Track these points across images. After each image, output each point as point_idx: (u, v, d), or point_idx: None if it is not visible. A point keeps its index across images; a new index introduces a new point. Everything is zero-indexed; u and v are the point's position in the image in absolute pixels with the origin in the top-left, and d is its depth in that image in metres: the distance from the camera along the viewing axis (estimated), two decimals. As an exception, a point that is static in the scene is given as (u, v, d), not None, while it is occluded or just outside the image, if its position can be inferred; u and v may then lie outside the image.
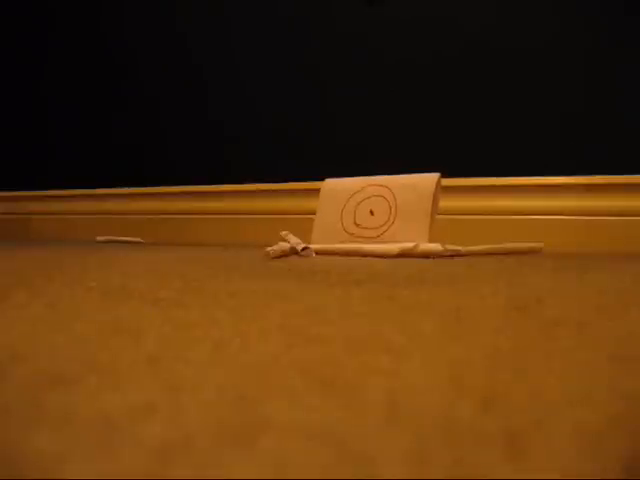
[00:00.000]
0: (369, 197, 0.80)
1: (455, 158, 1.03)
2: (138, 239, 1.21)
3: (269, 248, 0.69)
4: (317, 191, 0.87)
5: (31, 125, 1.55)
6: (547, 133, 0.98)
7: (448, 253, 0.70)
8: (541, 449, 0.11)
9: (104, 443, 0.12)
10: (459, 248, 0.71)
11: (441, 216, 0.79)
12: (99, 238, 1.20)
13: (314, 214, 0.85)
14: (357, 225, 0.79)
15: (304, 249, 0.71)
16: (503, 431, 0.12)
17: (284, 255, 0.70)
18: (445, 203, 0.85)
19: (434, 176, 0.77)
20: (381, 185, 0.80)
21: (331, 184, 0.86)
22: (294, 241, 0.72)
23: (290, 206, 1.16)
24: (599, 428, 0.12)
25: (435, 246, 0.69)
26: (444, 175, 0.79)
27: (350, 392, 0.15)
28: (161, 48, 1.35)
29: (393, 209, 0.77)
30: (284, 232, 0.76)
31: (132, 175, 1.38)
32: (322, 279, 0.44)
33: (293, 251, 0.71)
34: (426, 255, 0.69)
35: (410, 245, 0.69)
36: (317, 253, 0.74)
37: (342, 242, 0.78)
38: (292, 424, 0.13)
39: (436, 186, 0.76)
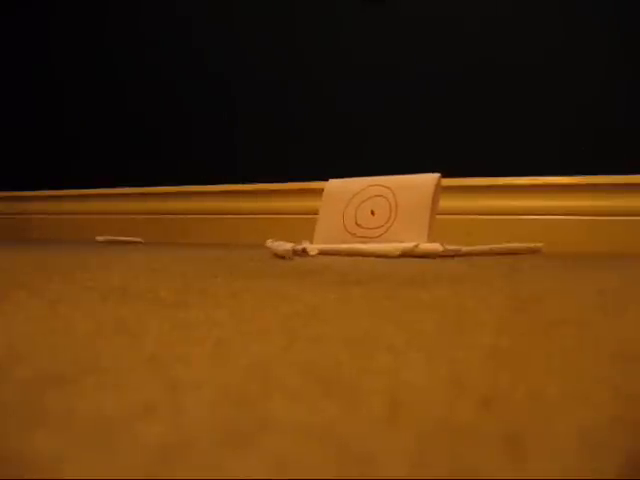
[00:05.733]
0: (370, 197, 0.80)
1: (455, 158, 1.03)
2: (138, 239, 1.21)
3: (270, 240, 0.68)
4: (318, 191, 0.87)
5: (31, 125, 1.55)
6: (547, 133, 0.98)
7: (448, 253, 0.69)
8: (541, 449, 0.11)
9: (104, 443, 0.12)
10: (459, 248, 0.71)
11: (441, 216, 0.79)
12: (99, 238, 1.20)
13: (315, 214, 0.85)
14: (358, 225, 0.79)
15: (304, 249, 0.71)
16: (503, 431, 0.12)
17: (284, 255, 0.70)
18: (445, 203, 0.85)
19: (434, 176, 0.77)
20: (382, 185, 0.80)
21: (334, 185, 0.86)
22: (282, 247, 0.72)
23: (291, 206, 1.16)
24: (599, 428, 0.12)
25: (435, 246, 0.69)
26: (444, 175, 0.79)
27: (350, 392, 0.15)
28: (164, 47, 1.35)
29: (393, 209, 0.77)
30: (270, 240, 0.76)
31: (132, 175, 1.38)
32: (322, 279, 0.44)
33: (296, 252, 0.71)
34: (426, 255, 0.69)
35: (410, 245, 0.69)
36: (318, 253, 0.74)
37: (343, 242, 0.78)
38: (292, 424, 0.13)
39: (436, 186, 0.76)
